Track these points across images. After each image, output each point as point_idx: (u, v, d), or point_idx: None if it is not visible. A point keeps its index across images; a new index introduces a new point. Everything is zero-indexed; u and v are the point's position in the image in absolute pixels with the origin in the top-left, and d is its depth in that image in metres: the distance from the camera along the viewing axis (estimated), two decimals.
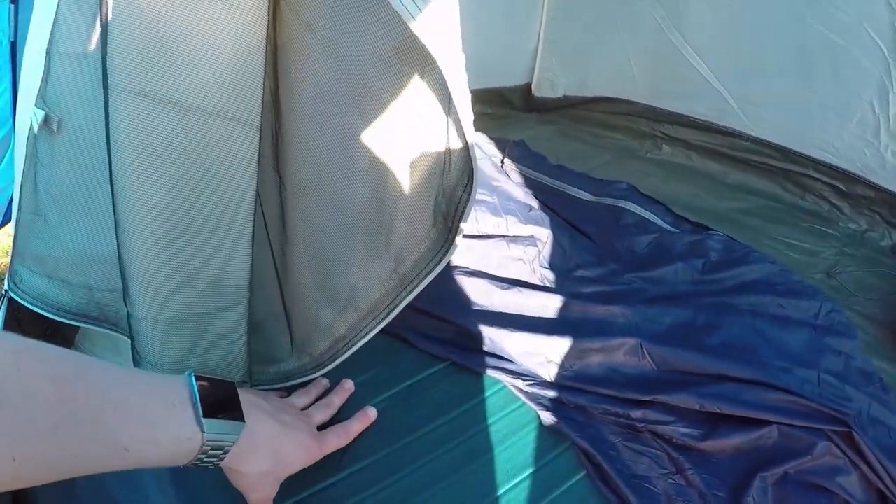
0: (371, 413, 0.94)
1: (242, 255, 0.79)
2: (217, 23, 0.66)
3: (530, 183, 1.47)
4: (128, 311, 0.77)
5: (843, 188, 1.75)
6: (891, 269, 1.60)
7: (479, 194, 1.32)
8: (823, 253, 1.64)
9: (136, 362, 0.81)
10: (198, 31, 0.65)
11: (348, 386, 0.98)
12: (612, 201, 1.42)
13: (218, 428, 0.66)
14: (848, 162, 1.71)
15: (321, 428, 0.88)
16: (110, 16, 0.64)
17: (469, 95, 0.76)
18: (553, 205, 1.37)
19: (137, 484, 0.87)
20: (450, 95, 0.75)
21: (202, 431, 0.64)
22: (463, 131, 0.78)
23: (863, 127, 1.63)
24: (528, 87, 2.27)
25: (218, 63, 0.68)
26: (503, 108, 2.26)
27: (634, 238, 1.32)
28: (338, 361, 0.95)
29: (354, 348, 0.94)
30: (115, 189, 0.70)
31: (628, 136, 2.09)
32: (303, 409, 0.90)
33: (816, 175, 1.78)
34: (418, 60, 0.76)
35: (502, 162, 1.52)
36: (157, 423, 0.62)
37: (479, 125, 2.13)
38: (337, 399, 0.94)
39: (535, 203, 1.35)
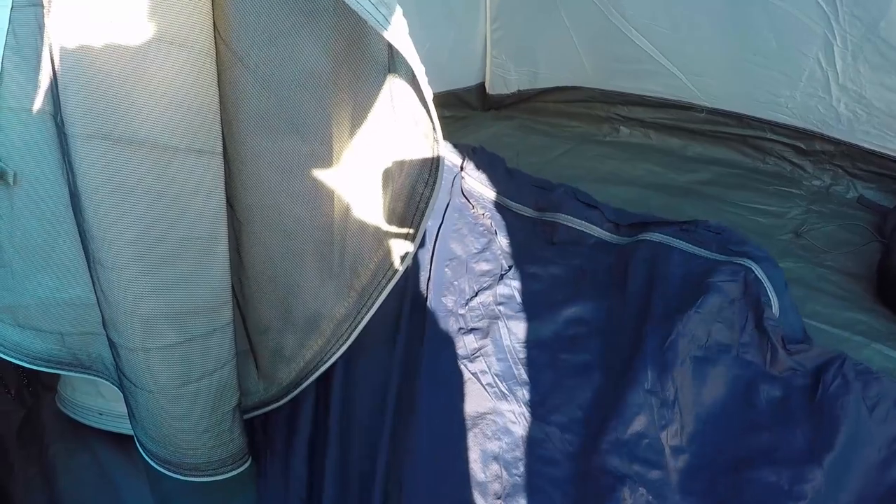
0: None
1: (222, 278, 0.81)
2: (167, 62, 0.68)
3: (481, 199, 1.47)
4: (117, 345, 0.79)
5: (803, 146, 1.75)
6: (860, 220, 1.60)
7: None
8: (790, 213, 1.64)
9: (128, 395, 0.83)
10: (150, 72, 0.67)
11: None
12: (549, 216, 1.40)
13: None
14: (803, 120, 1.72)
15: None
16: (59, 69, 0.66)
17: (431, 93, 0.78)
18: (496, 227, 1.38)
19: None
20: (390, 95, 0.78)
21: None
22: (427, 129, 0.80)
23: (813, 83, 1.63)
24: (482, 86, 2.27)
25: (174, 99, 0.69)
26: (461, 110, 2.26)
27: (561, 261, 1.29)
28: (303, 386, 0.95)
29: (319, 372, 0.94)
30: (88, 230, 0.72)
31: (585, 123, 2.09)
32: None
33: (774, 137, 1.79)
34: (364, 71, 0.77)
35: (461, 168, 1.51)
36: None
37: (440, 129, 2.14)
38: None
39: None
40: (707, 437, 0.97)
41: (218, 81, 0.73)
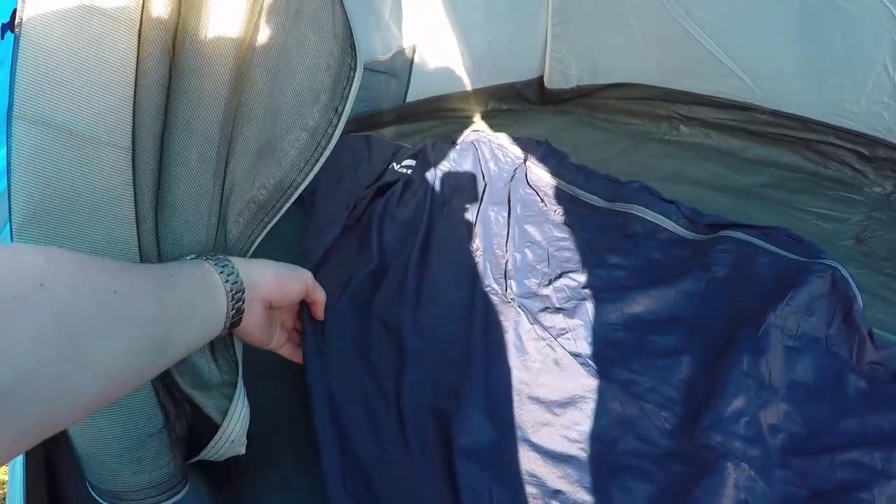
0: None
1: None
2: (103, 45, 0.67)
3: (550, 190, 1.49)
4: None
5: (865, 152, 1.74)
6: None
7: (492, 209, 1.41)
8: (851, 219, 1.63)
9: None
10: (86, 56, 0.66)
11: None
12: (621, 206, 1.43)
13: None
14: (867, 126, 1.71)
15: None
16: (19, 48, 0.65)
17: None
18: (568, 218, 1.42)
19: None
20: None
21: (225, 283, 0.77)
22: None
23: (879, 90, 1.63)
24: (540, 80, 2.28)
25: (102, 89, 0.69)
26: (518, 103, 2.27)
27: (639, 252, 1.32)
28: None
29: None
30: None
31: (645, 120, 2.10)
32: None
33: (837, 142, 1.78)
34: None
35: (525, 160, 1.54)
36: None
37: (496, 122, 2.17)
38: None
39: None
40: (801, 418, 1.01)
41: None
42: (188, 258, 0.81)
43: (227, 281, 0.77)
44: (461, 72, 2.11)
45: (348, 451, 0.92)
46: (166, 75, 0.76)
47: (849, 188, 1.74)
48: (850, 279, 1.16)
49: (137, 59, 0.72)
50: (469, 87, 2.16)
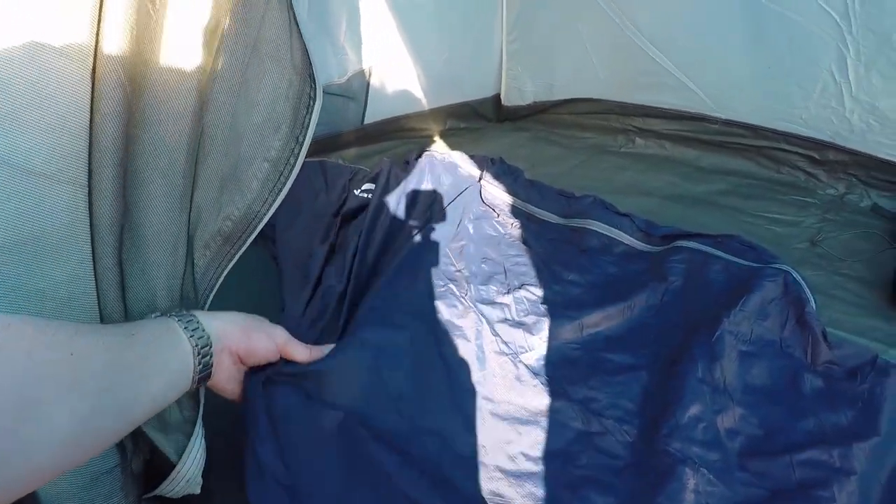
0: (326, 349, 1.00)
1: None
2: (52, 79, 0.66)
3: (505, 207, 1.50)
4: None
5: (817, 156, 1.77)
6: (874, 228, 1.63)
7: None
8: (805, 222, 1.66)
9: None
10: (37, 90, 0.65)
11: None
12: (576, 222, 1.42)
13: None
14: (817, 131, 1.74)
15: None
16: None
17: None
18: (524, 234, 1.42)
19: None
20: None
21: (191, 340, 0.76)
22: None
23: (826, 95, 1.66)
24: (497, 97, 2.29)
25: (55, 124, 0.67)
26: (476, 121, 2.28)
27: (595, 268, 1.32)
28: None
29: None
30: None
31: (600, 134, 2.11)
32: None
33: (788, 147, 1.81)
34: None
35: (480, 178, 1.54)
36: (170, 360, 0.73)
37: (455, 140, 2.17)
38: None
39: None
40: (758, 420, 1.02)
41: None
42: (152, 316, 0.80)
43: (192, 336, 0.76)
44: (418, 92, 2.11)
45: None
46: (123, 110, 0.74)
47: (802, 192, 1.77)
48: (801, 282, 1.17)
49: (92, 96, 0.71)
50: (427, 107, 2.16)
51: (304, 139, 0.97)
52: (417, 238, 1.34)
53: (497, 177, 1.56)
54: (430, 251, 1.34)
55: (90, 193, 0.73)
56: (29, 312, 0.68)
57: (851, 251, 1.55)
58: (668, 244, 1.33)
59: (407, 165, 1.54)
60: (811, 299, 1.15)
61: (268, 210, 0.96)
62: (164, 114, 0.79)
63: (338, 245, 1.34)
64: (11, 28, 0.63)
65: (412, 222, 1.41)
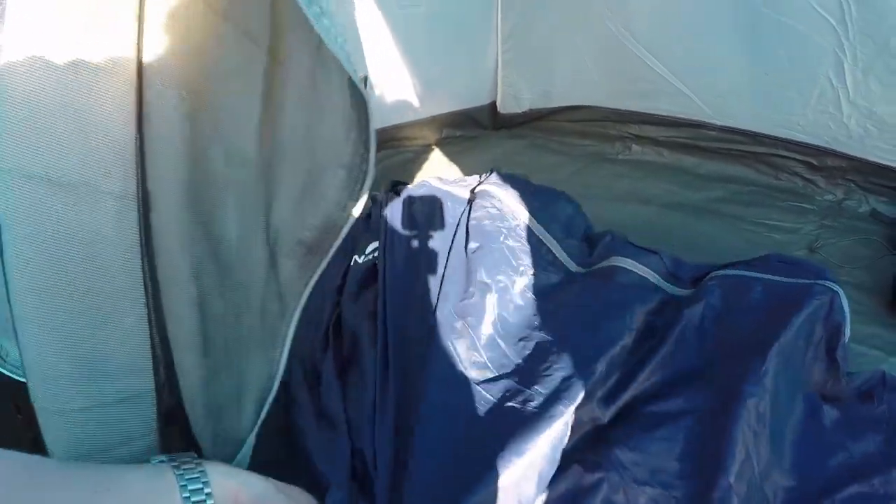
0: None
1: (139, 344, 0.75)
2: (92, 93, 0.65)
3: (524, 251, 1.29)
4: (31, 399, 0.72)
5: (815, 162, 1.77)
6: (873, 234, 1.62)
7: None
8: (804, 229, 1.65)
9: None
10: (75, 104, 0.64)
11: None
12: (603, 263, 1.27)
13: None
14: (815, 137, 1.73)
15: None
16: None
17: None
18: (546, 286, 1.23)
19: None
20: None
21: None
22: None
23: (824, 101, 1.65)
24: (493, 105, 2.28)
25: (94, 138, 0.66)
26: (472, 129, 2.27)
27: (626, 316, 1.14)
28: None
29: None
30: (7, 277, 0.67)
31: (597, 141, 2.11)
32: None
33: (786, 153, 1.80)
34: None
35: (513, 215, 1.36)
36: None
37: (451, 148, 2.15)
38: None
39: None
40: (788, 466, 0.96)
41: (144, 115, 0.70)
42: (154, 460, 0.69)
43: (187, 497, 0.63)
44: (414, 101, 2.11)
45: None
46: (180, 120, 0.73)
47: (800, 198, 1.77)
48: (845, 309, 1.09)
49: (140, 110, 0.70)
50: (422, 116, 2.16)
51: (370, 144, 0.95)
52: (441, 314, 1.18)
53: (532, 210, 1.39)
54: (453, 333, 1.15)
55: (148, 212, 0.72)
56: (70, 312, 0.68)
57: (850, 258, 1.54)
58: (699, 285, 1.22)
59: (404, 200, 1.39)
60: (847, 333, 1.08)
61: (347, 218, 0.93)
62: (231, 124, 0.78)
63: (346, 344, 1.17)
64: (48, 43, 0.63)
65: (422, 274, 1.24)
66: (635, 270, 1.24)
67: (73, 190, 0.66)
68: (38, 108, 0.63)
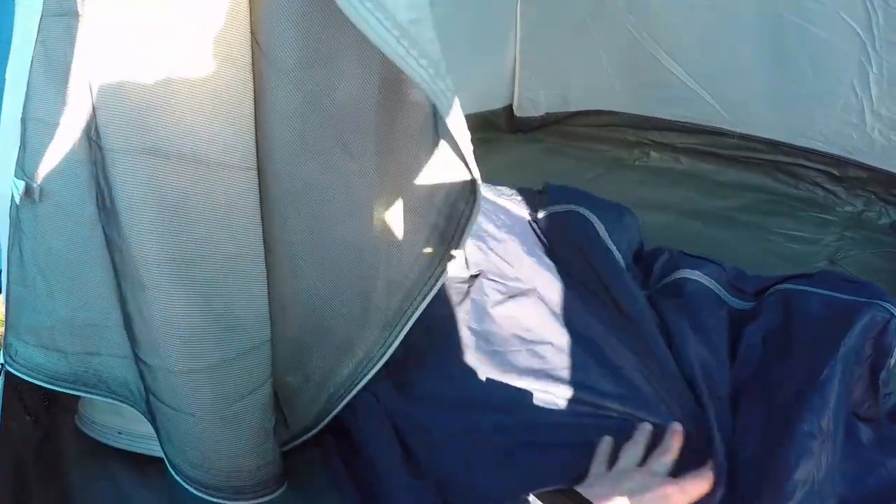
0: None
1: (262, 294, 0.80)
2: (211, 75, 0.66)
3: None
4: (155, 368, 0.78)
5: (836, 173, 1.74)
6: (893, 247, 1.59)
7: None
8: (824, 240, 1.63)
9: (166, 421, 0.83)
10: (194, 85, 0.66)
11: (678, 428, 0.94)
12: (666, 279, 1.26)
13: None
14: (837, 147, 1.71)
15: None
16: (96, 82, 0.65)
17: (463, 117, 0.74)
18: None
19: None
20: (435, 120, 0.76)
21: None
22: (460, 152, 0.76)
23: (847, 111, 1.63)
24: (509, 108, 2.26)
25: (218, 114, 0.68)
26: (487, 132, 2.25)
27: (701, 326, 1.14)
28: (334, 412, 0.95)
29: (350, 397, 0.94)
30: (126, 249, 0.72)
31: (615, 147, 2.08)
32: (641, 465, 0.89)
33: (807, 163, 1.78)
34: (404, 95, 0.75)
35: (535, 220, 1.37)
36: None
37: None
38: (674, 443, 0.92)
39: None
40: (840, 481, 0.94)
41: (257, 98, 0.72)
42: None
43: None
44: None
45: None
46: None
47: (821, 209, 1.74)
48: None
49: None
50: None
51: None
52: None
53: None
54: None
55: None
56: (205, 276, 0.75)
57: (871, 270, 1.52)
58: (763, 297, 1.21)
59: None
60: (894, 358, 1.05)
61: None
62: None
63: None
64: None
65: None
66: (702, 281, 1.24)
67: (196, 162, 0.69)
68: (156, 91, 0.66)
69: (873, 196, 1.71)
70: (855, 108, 1.61)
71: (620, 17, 1.87)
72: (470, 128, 2.16)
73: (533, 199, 1.41)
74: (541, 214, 1.36)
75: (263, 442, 0.86)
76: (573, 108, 2.16)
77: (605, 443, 0.94)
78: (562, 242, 1.31)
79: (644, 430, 0.95)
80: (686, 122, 1.93)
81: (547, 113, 2.21)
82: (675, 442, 0.92)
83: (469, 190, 0.81)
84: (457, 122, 0.71)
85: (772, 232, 1.65)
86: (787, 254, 1.55)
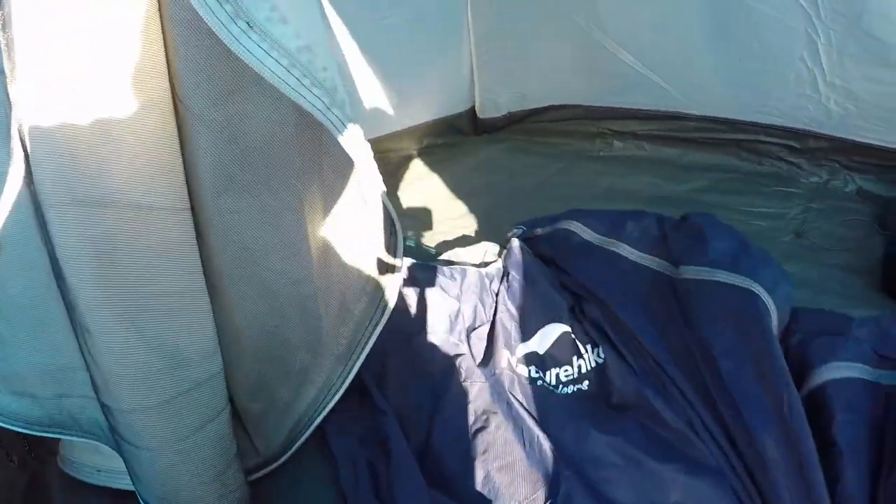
0: None
1: (207, 330, 0.82)
2: (136, 123, 0.67)
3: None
4: (111, 408, 0.79)
5: (797, 145, 1.76)
6: (860, 214, 1.61)
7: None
8: (790, 213, 1.64)
9: (129, 457, 0.84)
10: (119, 135, 0.67)
11: None
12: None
13: None
14: (794, 119, 1.72)
15: None
16: (27, 137, 0.66)
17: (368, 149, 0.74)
18: None
19: None
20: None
21: None
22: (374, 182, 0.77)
23: (800, 84, 1.64)
24: (472, 111, 2.26)
25: (146, 159, 0.69)
26: (453, 137, 2.25)
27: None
28: (301, 440, 0.98)
29: (315, 424, 0.96)
30: (72, 297, 0.73)
31: (578, 140, 2.09)
32: None
33: (767, 139, 1.79)
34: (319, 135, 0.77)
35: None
36: None
37: (433, 157, 2.13)
38: None
39: None
40: None
41: (183, 142, 0.73)
42: None
43: None
44: (392, 112, 2.09)
45: None
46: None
47: (785, 182, 1.76)
48: None
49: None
50: (402, 126, 2.14)
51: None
52: None
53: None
54: None
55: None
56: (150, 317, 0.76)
57: (838, 239, 1.53)
58: None
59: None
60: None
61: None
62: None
63: None
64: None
65: None
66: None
67: (132, 210, 0.71)
68: (83, 143, 0.66)
69: (837, 164, 1.72)
70: (808, 80, 1.62)
71: (571, 13, 1.87)
72: (436, 133, 2.18)
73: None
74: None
75: (223, 471, 0.88)
76: (534, 106, 2.17)
77: None
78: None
79: None
80: (645, 110, 1.94)
81: (509, 112, 2.21)
82: None
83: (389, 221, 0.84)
84: (356, 151, 0.72)
85: (738, 210, 1.66)
86: (753, 231, 1.56)
